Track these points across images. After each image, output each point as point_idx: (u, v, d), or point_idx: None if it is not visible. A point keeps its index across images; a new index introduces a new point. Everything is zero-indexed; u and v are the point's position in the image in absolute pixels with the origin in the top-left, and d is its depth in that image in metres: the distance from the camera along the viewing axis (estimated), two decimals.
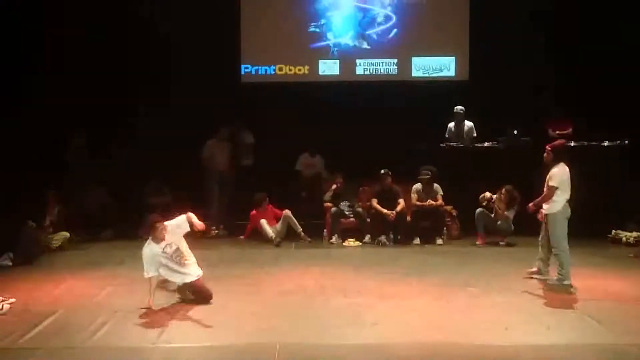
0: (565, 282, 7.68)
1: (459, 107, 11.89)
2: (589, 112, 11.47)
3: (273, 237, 10.65)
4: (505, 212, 10.27)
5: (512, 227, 10.31)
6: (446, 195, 10.78)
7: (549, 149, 7.86)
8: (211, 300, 7.01)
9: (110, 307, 6.80)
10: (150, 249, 6.98)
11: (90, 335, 5.99)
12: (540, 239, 8.07)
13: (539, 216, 8.06)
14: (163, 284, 7.33)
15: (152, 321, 6.36)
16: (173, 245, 7.01)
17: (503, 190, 10.33)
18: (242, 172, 11.98)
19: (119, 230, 11.05)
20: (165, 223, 7.02)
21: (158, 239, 6.96)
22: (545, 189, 7.78)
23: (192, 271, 7.10)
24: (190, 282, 7.07)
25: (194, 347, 5.77)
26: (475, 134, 11.84)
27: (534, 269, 8.13)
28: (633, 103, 11.44)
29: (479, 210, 10.46)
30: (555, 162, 7.76)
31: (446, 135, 11.96)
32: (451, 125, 11.98)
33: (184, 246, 7.15)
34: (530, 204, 8.05)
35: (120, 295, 7.33)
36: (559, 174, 7.70)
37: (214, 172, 11.57)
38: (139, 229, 10.95)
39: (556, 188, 7.65)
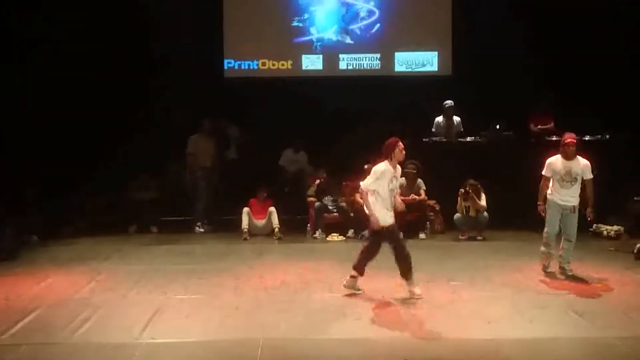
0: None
1: (448, 102, 11.79)
2: (571, 105, 11.52)
3: (245, 230, 10.64)
4: (479, 203, 10.36)
5: (487, 216, 10.39)
6: (429, 190, 10.80)
7: (574, 141, 7.79)
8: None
9: (93, 303, 6.76)
10: (386, 167, 6.95)
11: (73, 331, 5.95)
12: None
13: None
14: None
15: (135, 317, 6.32)
16: (396, 181, 7.09)
17: (468, 187, 10.42)
18: (228, 166, 11.92)
19: (103, 226, 11.00)
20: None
21: (395, 161, 6.99)
22: (582, 184, 7.76)
23: (391, 217, 7.03)
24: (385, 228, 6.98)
25: (177, 343, 5.75)
26: (462, 129, 11.82)
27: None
28: (615, 97, 11.53)
29: (456, 216, 10.52)
30: (576, 155, 7.77)
31: (433, 130, 11.85)
32: (439, 119, 11.87)
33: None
34: (588, 211, 7.86)
35: (103, 291, 7.29)
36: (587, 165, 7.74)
37: (198, 167, 11.44)
38: (128, 226, 11.01)
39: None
